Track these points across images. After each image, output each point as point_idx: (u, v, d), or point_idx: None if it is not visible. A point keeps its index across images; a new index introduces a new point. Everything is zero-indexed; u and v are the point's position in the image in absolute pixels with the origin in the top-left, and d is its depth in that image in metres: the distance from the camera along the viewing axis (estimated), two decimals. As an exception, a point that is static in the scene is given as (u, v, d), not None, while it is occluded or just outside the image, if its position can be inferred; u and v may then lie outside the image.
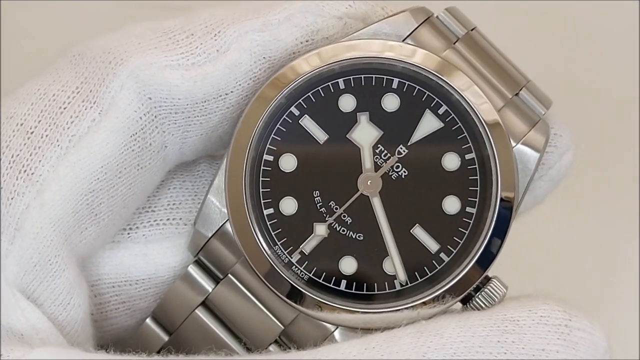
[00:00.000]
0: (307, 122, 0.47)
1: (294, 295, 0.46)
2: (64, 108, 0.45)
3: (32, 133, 0.45)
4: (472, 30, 0.48)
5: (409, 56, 0.46)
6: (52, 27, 0.64)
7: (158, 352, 0.48)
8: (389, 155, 0.47)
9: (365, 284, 0.46)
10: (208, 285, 0.48)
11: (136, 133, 0.46)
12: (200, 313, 0.48)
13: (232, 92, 0.47)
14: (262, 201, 0.47)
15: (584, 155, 0.63)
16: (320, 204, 0.47)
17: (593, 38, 0.65)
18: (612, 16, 0.65)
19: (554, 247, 0.64)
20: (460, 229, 0.46)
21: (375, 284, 0.46)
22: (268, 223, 0.47)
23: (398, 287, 0.46)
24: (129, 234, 0.49)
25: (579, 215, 0.64)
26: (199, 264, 0.48)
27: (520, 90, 0.47)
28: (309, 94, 0.47)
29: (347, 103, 0.47)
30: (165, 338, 0.49)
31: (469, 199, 0.46)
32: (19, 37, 0.65)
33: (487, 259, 0.46)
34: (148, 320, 0.49)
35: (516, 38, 0.63)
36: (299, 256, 0.47)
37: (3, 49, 0.64)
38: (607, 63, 0.65)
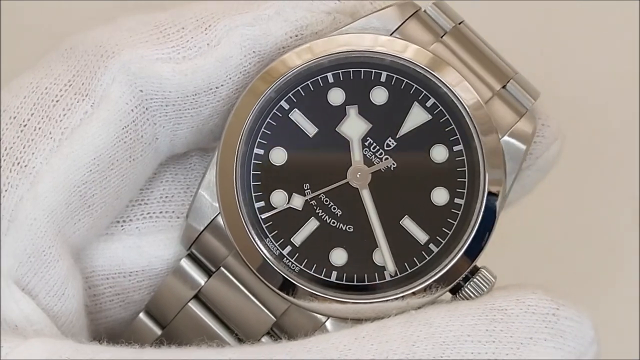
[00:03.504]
0: (297, 116, 0.47)
1: (286, 287, 0.47)
2: (57, 101, 0.46)
3: (25, 126, 0.45)
4: (459, 23, 0.49)
5: (401, 51, 0.47)
6: (52, 26, 0.65)
7: (151, 345, 0.49)
8: (377, 147, 0.47)
9: (355, 275, 0.47)
10: (200, 279, 0.48)
11: (128, 125, 0.46)
12: (193, 306, 0.49)
13: (222, 85, 0.47)
14: (253, 194, 0.47)
15: (584, 153, 0.64)
16: (311, 196, 0.47)
17: (593, 38, 0.66)
18: (612, 16, 0.66)
19: (552, 244, 0.65)
20: (449, 219, 0.47)
21: (366, 275, 0.47)
22: (259, 216, 0.47)
23: (388, 278, 0.47)
24: (122, 226, 0.49)
25: (578, 212, 0.65)
26: (191, 257, 0.49)
27: (508, 82, 0.48)
28: (299, 88, 0.47)
29: (336, 97, 0.47)
30: (159, 332, 0.49)
31: (457, 190, 0.47)
32: (19, 37, 0.65)
33: (476, 249, 0.46)
34: (141, 315, 0.49)
35: (514, 36, 0.64)
36: (290, 248, 0.47)
37: (3, 49, 0.64)
38: (607, 63, 0.65)
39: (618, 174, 0.65)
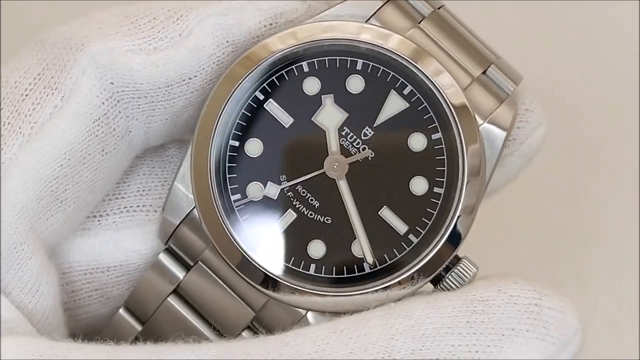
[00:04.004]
0: (272, 106, 0.47)
1: (267, 282, 0.46)
2: (26, 95, 0.45)
3: None
4: (439, 8, 0.48)
5: (383, 41, 0.46)
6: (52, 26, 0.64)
7: (129, 342, 0.48)
8: (354, 137, 0.46)
9: (334, 268, 0.46)
10: (179, 273, 0.48)
11: (99, 118, 0.46)
12: (172, 301, 0.48)
13: (195, 76, 0.47)
14: (228, 187, 0.46)
15: (584, 153, 0.63)
16: (287, 188, 0.46)
17: (593, 38, 0.65)
18: (612, 16, 0.65)
19: (553, 244, 0.64)
20: (428, 209, 0.46)
21: (344, 267, 0.46)
22: (235, 209, 0.46)
23: (367, 270, 0.46)
24: (99, 220, 0.48)
25: (577, 211, 0.64)
26: (169, 251, 0.48)
27: (489, 67, 0.47)
28: (273, 77, 0.46)
29: (311, 86, 0.47)
30: (139, 328, 0.48)
31: (437, 179, 0.46)
32: (19, 37, 0.65)
33: (456, 238, 0.46)
34: (121, 311, 0.48)
35: (514, 35, 0.63)
36: (267, 241, 0.46)
37: (3, 49, 0.64)
38: (607, 63, 0.65)
39: (618, 172, 0.64)
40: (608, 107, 0.65)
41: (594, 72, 0.65)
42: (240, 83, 0.46)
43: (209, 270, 0.47)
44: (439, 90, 0.46)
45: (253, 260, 0.46)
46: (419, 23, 0.47)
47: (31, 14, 0.65)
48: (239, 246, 0.46)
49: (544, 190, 0.58)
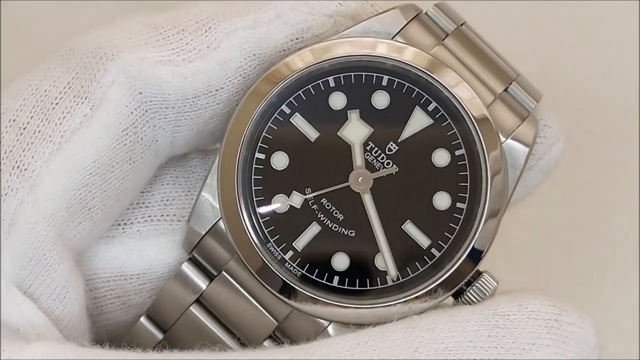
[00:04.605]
0: (298, 120, 0.47)
1: (287, 291, 0.47)
2: (56, 104, 0.46)
3: (24, 129, 0.45)
4: (461, 25, 0.48)
5: (399, 54, 0.47)
6: (52, 26, 0.64)
7: (153, 349, 0.49)
8: (379, 152, 0.47)
9: (357, 280, 0.47)
10: (202, 283, 0.48)
11: (127, 128, 0.46)
12: (195, 310, 0.48)
13: (222, 88, 0.47)
14: (254, 199, 0.47)
15: (583, 152, 0.63)
16: (313, 201, 0.47)
17: (593, 38, 0.66)
18: (612, 16, 0.65)
19: (550, 243, 0.65)
20: (450, 224, 0.47)
21: (368, 280, 0.47)
22: (261, 221, 0.47)
23: (390, 283, 0.47)
24: (123, 229, 0.49)
25: (577, 211, 0.65)
26: (192, 261, 0.48)
27: (510, 84, 0.48)
28: (300, 92, 0.47)
29: (337, 101, 0.47)
30: (160, 336, 0.49)
31: (459, 194, 0.47)
32: (19, 37, 0.65)
33: (478, 253, 0.46)
34: (142, 319, 0.49)
35: (514, 36, 0.64)
36: (292, 253, 0.47)
37: (3, 49, 0.64)
38: (607, 63, 0.65)
39: (618, 173, 0.65)
40: (608, 107, 0.66)
41: (594, 72, 0.66)
42: (268, 97, 0.47)
43: (232, 281, 0.48)
44: (463, 107, 0.46)
45: (274, 268, 0.46)
46: (443, 40, 0.48)
47: (31, 14, 0.66)
48: (262, 256, 0.46)
49: (542, 191, 0.58)
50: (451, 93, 0.46)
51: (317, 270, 0.47)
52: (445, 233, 0.47)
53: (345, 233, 0.47)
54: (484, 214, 0.46)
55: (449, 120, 0.47)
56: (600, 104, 0.65)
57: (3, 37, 0.64)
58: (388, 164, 0.47)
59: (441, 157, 0.47)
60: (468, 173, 0.47)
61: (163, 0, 0.55)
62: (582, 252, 0.64)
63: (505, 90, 0.48)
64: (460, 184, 0.47)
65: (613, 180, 0.65)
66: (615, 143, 0.65)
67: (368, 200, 0.47)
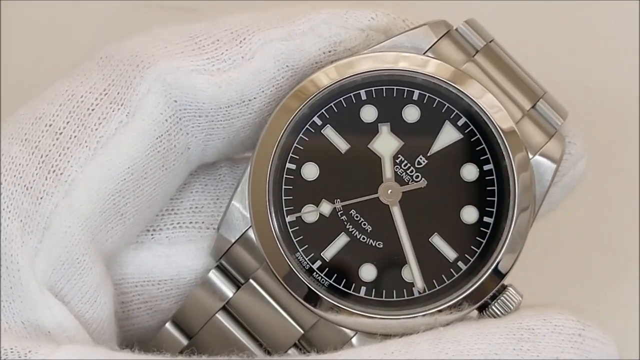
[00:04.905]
0: (330, 132, 0.48)
1: (313, 299, 0.47)
2: (92, 110, 0.46)
3: (60, 134, 0.46)
4: (490, 42, 0.49)
5: (422, 66, 0.47)
6: (52, 27, 0.65)
7: (180, 354, 0.49)
8: (409, 165, 0.48)
9: (384, 291, 0.47)
10: (229, 290, 0.49)
11: (162, 135, 0.47)
12: (220, 317, 0.49)
13: (255, 98, 0.48)
14: (284, 208, 0.48)
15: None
16: (342, 212, 0.48)
17: (593, 38, 0.66)
18: (613, 16, 0.66)
19: (554, 248, 0.65)
20: (477, 238, 0.47)
21: (394, 291, 0.47)
22: (290, 230, 0.48)
23: (416, 295, 0.47)
24: (152, 235, 0.49)
25: (577, 211, 0.65)
26: (220, 268, 0.49)
27: (538, 101, 0.49)
28: (332, 104, 0.48)
29: (368, 114, 0.48)
30: (185, 342, 0.49)
31: (487, 209, 0.47)
32: (19, 37, 0.65)
33: (504, 268, 0.47)
34: (168, 325, 0.49)
35: (513, 36, 0.64)
36: (320, 263, 0.48)
37: (3, 49, 0.64)
38: (607, 63, 0.66)
39: (618, 173, 0.65)
40: (608, 107, 0.66)
41: (594, 72, 0.66)
42: (300, 110, 0.47)
43: (259, 289, 0.48)
44: (493, 123, 0.47)
45: (302, 278, 0.47)
46: (473, 56, 0.48)
47: (31, 14, 0.66)
48: (290, 264, 0.47)
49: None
50: (477, 105, 0.47)
51: (344, 280, 0.47)
52: (472, 247, 0.47)
53: (373, 244, 0.47)
54: (511, 229, 0.47)
55: (478, 136, 0.48)
56: (600, 103, 0.65)
57: (3, 37, 0.64)
58: (417, 177, 0.48)
59: (470, 172, 0.48)
60: (496, 188, 0.47)
61: (163, 0, 0.55)
62: (582, 252, 0.64)
63: (533, 107, 0.48)
64: (488, 198, 0.47)
65: (613, 179, 0.65)
66: (616, 143, 0.65)
67: (397, 213, 0.47)
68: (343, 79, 0.47)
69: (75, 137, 0.46)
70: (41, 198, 0.45)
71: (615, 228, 0.65)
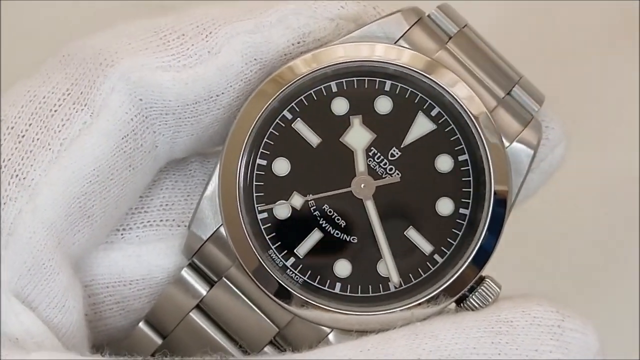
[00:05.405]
0: (300, 126, 0.47)
1: (286, 296, 0.47)
2: (55, 111, 0.45)
3: (23, 137, 0.45)
4: (464, 27, 0.48)
5: (394, 56, 0.46)
6: (52, 27, 0.64)
7: (152, 355, 0.48)
8: (382, 158, 0.47)
9: (359, 287, 0.47)
10: (202, 289, 0.48)
11: (127, 135, 0.46)
12: (194, 316, 0.48)
13: (223, 93, 0.47)
14: (255, 205, 0.47)
15: (583, 152, 0.63)
16: (314, 207, 0.47)
17: (593, 38, 0.66)
18: (613, 16, 0.65)
19: (549, 244, 0.65)
20: (453, 230, 0.46)
21: (370, 287, 0.47)
22: (262, 227, 0.47)
23: (392, 289, 0.47)
24: (122, 235, 0.48)
25: (576, 213, 0.65)
26: (192, 267, 0.48)
27: (513, 87, 0.47)
28: (302, 97, 0.47)
29: (339, 106, 0.47)
30: (159, 341, 0.49)
31: (462, 200, 0.47)
32: (19, 37, 0.65)
33: (481, 259, 0.46)
34: (141, 324, 0.49)
35: (513, 36, 0.63)
36: (293, 260, 0.47)
37: (3, 49, 0.63)
38: (607, 63, 0.65)
39: (618, 173, 0.65)
40: (607, 107, 0.66)
41: (594, 72, 0.66)
42: (269, 104, 0.46)
43: (233, 287, 0.47)
44: (467, 112, 0.46)
45: (275, 276, 0.46)
46: (446, 44, 0.47)
47: (31, 14, 0.65)
48: (263, 262, 0.46)
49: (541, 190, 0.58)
50: (450, 94, 0.46)
51: (319, 277, 0.47)
52: (448, 239, 0.46)
53: (347, 239, 0.47)
54: (488, 220, 0.46)
55: (452, 126, 0.47)
56: (600, 103, 0.65)
57: (3, 37, 0.64)
58: (391, 170, 0.47)
59: (444, 163, 0.47)
60: (471, 178, 0.47)
61: (163, 0, 0.54)
62: (581, 252, 0.64)
63: (508, 93, 0.47)
64: (464, 189, 0.47)
65: (613, 179, 0.65)
66: (615, 143, 0.65)
67: (370, 207, 0.46)
68: (313, 71, 0.46)
69: (38, 139, 0.45)
70: (4, 204, 0.44)
71: (614, 227, 0.65)
